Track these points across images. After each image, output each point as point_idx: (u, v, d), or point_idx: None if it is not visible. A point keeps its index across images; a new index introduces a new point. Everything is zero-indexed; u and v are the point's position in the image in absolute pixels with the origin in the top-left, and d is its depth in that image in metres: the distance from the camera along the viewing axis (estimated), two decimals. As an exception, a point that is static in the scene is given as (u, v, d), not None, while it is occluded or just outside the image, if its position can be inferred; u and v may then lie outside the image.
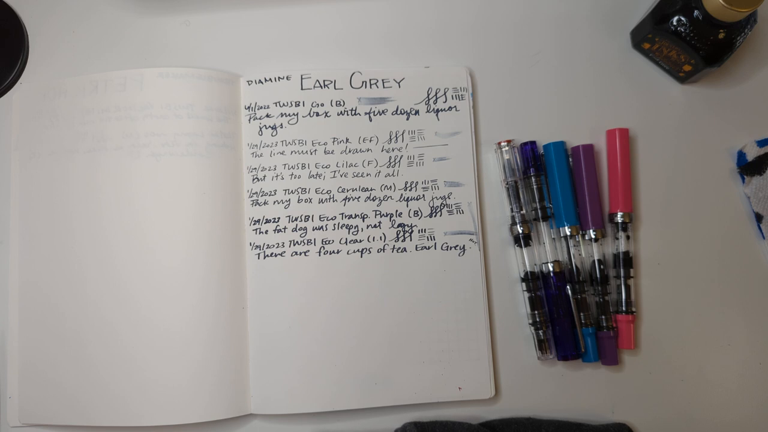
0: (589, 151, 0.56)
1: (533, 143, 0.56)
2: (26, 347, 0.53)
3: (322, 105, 0.56)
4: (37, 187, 0.55)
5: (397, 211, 0.55)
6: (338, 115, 0.56)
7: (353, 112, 0.57)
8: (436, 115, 0.57)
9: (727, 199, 0.57)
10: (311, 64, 0.58)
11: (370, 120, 0.57)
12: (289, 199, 0.55)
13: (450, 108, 0.57)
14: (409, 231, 0.55)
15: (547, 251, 0.55)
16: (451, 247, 0.55)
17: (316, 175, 0.55)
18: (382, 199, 0.56)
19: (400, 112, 0.57)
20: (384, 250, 0.55)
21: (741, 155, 0.57)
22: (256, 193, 0.55)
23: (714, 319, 0.55)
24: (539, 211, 0.55)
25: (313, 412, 0.53)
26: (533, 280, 0.55)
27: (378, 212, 0.55)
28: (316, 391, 0.53)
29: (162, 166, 0.54)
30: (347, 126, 0.56)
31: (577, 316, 0.54)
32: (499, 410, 0.54)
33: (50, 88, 0.56)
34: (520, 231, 0.55)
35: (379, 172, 0.56)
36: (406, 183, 0.56)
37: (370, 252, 0.55)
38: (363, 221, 0.55)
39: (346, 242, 0.55)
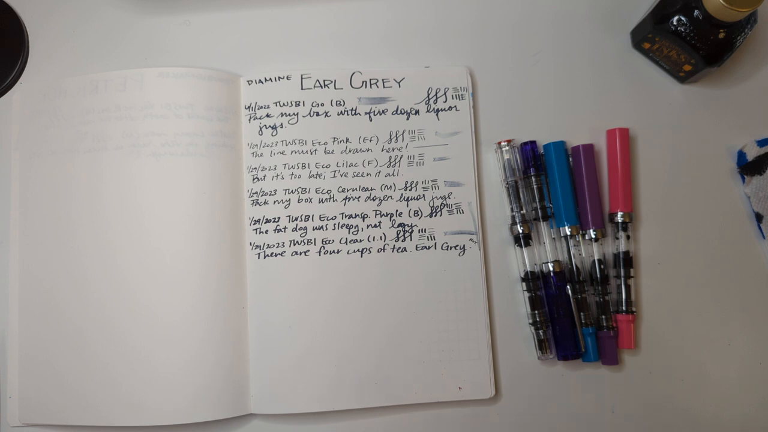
0: (589, 151, 0.56)
1: (533, 143, 0.56)
2: (27, 347, 0.53)
3: (322, 105, 0.56)
4: (38, 187, 0.55)
5: (397, 210, 0.56)
6: (338, 114, 0.56)
7: (353, 112, 0.57)
8: (436, 114, 0.57)
9: (727, 199, 0.57)
10: (311, 64, 0.58)
11: (370, 120, 0.57)
12: (289, 199, 0.55)
13: (450, 108, 0.57)
14: (409, 231, 0.55)
15: (547, 251, 0.55)
16: (451, 247, 0.55)
17: (316, 174, 0.55)
18: (382, 198, 0.56)
19: (400, 112, 0.57)
20: (384, 249, 0.55)
21: (741, 155, 0.57)
22: (256, 192, 0.55)
23: (714, 319, 0.55)
24: (539, 210, 0.55)
25: (313, 411, 0.53)
26: (533, 279, 0.55)
27: (378, 212, 0.55)
28: (316, 390, 0.53)
29: (162, 166, 0.54)
30: (347, 126, 0.56)
31: (577, 315, 0.54)
32: (499, 410, 0.54)
33: (50, 88, 0.56)
34: (520, 231, 0.55)
35: (379, 171, 0.56)
36: (406, 183, 0.56)
37: (370, 252, 0.55)
38: (363, 221, 0.55)
39: (346, 242, 0.55)
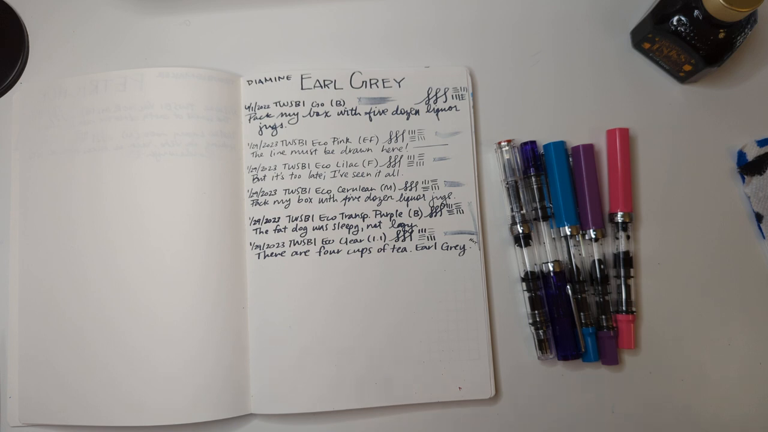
0: (589, 151, 0.56)
1: (533, 143, 0.56)
2: (27, 347, 0.53)
3: (322, 105, 0.56)
4: (38, 187, 0.55)
5: (397, 210, 0.56)
6: (338, 114, 0.56)
7: (353, 111, 0.57)
8: (436, 114, 0.57)
9: (727, 199, 0.57)
10: (311, 64, 0.58)
11: (370, 120, 0.57)
12: (289, 199, 0.55)
13: (450, 108, 0.57)
14: (409, 231, 0.55)
15: (547, 251, 0.55)
16: (451, 247, 0.55)
17: (316, 174, 0.55)
18: (382, 198, 0.56)
19: (400, 112, 0.57)
20: (384, 249, 0.55)
21: (741, 155, 0.57)
22: (256, 192, 0.55)
23: (714, 319, 0.55)
24: (539, 210, 0.55)
25: (313, 411, 0.53)
26: (533, 279, 0.55)
27: (378, 212, 0.55)
28: (316, 390, 0.53)
29: (162, 166, 0.54)
30: (347, 126, 0.56)
31: (577, 315, 0.54)
32: (499, 410, 0.54)
33: (50, 88, 0.56)
34: (520, 231, 0.55)
35: (379, 171, 0.56)
36: (406, 183, 0.56)
37: (370, 252, 0.55)
38: (363, 221, 0.55)
39: (346, 242, 0.55)
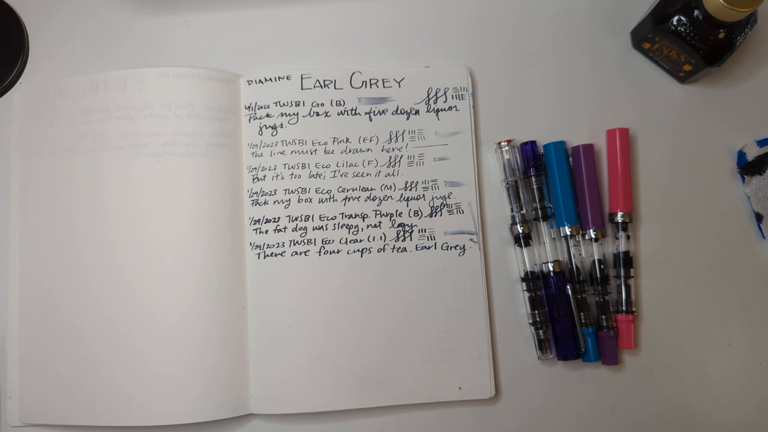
0: (589, 151, 0.56)
1: (533, 143, 0.56)
2: (27, 347, 0.53)
3: (322, 105, 0.56)
4: (38, 187, 0.55)
5: (397, 210, 0.56)
6: (338, 114, 0.56)
7: (353, 112, 0.57)
8: (436, 114, 0.57)
9: (727, 199, 0.57)
10: (311, 64, 0.58)
11: (370, 120, 0.57)
12: (289, 199, 0.55)
13: (450, 108, 0.57)
14: (409, 231, 0.55)
15: (547, 251, 0.55)
16: (451, 247, 0.55)
17: (316, 174, 0.55)
18: (382, 198, 0.56)
19: (400, 112, 0.57)
20: (384, 249, 0.55)
21: (741, 155, 0.57)
22: (256, 192, 0.55)
23: (714, 319, 0.55)
24: (539, 210, 0.55)
25: (313, 411, 0.53)
26: (533, 279, 0.55)
27: (378, 212, 0.55)
28: (316, 390, 0.53)
29: (162, 166, 0.54)
30: (347, 126, 0.56)
31: (577, 315, 0.54)
32: (499, 410, 0.54)
33: (50, 88, 0.56)
34: (520, 231, 0.55)
35: (379, 171, 0.56)
36: (406, 183, 0.56)
37: (370, 252, 0.55)
38: (363, 221, 0.55)
39: (346, 242, 0.55)
